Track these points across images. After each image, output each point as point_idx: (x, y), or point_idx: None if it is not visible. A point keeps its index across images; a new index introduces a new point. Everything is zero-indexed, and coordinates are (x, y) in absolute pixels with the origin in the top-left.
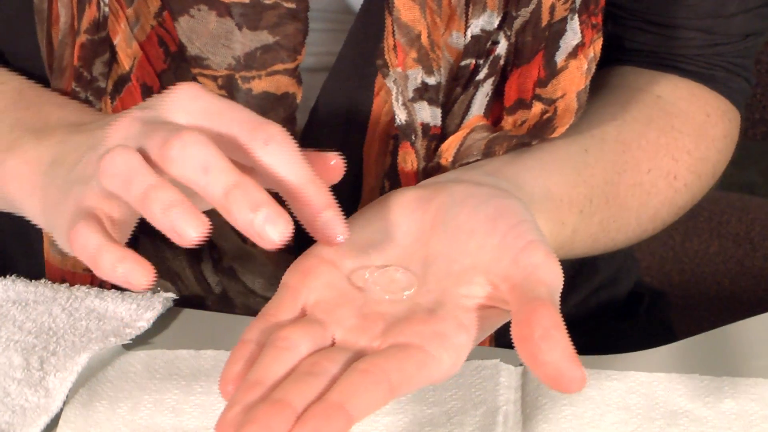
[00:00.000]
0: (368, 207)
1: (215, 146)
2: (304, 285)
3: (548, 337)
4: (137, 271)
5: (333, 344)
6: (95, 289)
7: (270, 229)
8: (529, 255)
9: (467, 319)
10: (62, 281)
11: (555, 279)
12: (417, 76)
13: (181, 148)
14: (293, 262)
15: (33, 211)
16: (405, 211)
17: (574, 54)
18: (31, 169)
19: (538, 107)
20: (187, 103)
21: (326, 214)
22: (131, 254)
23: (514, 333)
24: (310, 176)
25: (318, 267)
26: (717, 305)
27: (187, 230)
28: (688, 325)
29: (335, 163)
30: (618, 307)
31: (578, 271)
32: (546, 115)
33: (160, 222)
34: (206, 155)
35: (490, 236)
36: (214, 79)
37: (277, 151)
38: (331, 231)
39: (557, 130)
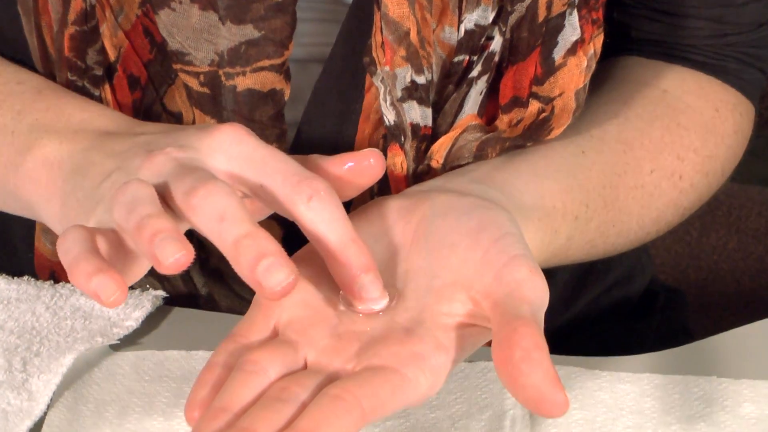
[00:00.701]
0: (350, 217)
1: (237, 198)
2: (277, 303)
3: (529, 359)
4: (109, 287)
5: (305, 366)
6: None
7: (270, 278)
8: (512, 271)
9: (447, 338)
10: (51, 274)
11: (539, 296)
12: (406, 74)
13: (204, 197)
14: None
15: (50, 218)
16: (386, 222)
17: (573, 51)
18: (50, 173)
19: (534, 106)
20: (229, 147)
21: (365, 278)
22: (109, 270)
23: (494, 354)
24: (351, 236)
25: None
26: (736, 304)
27: (166, 253)
28: (705, 325)
29: (374, 162)
30: (631, 306)
31: (590, 269)
32: (543, 115)
33: (145, 249)
34: (225, 205)
35: (473, 250)
36: (197, 75)
37: (320, 208)
38: (369, 294)
39: (553, 132)
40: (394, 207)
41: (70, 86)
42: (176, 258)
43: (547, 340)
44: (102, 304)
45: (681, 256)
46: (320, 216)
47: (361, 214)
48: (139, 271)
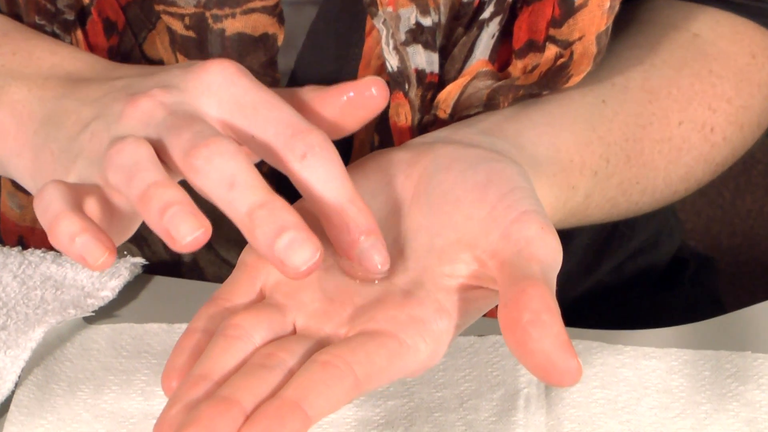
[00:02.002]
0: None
1: (246, 158)
2: (263, 264)
3: (538, 322)
4: (96, 247)
5: (294, 332)
6: (52, 253)
7: (293, 255)
8: (521, 227)
9: (449, 301)
10: (18, 239)
11: (550, 255)
12: (410, 15)
13: (207, 159)
14: None
15: (21, 174)
16: (384, 176)
17: None
18: (19, 124)
19: (551, 51)
20: (219, 89)
21: (367, 241)
22: (94, 228)
23: (501, 317)
24: (350, 195)
25: None
26: None
27: (182, 231)
28: (738, 295)
29: (377, 91)
30: (658, 274)
31: (612, 233)
32: (560, 60)
33: (155, 223)
34: (234, 168)
35: (478, 206)
36: (181, 18)
37: (316, 166)
38: (370, 260)
39: (572, 79)
40: (393, 160)
41: (39, 30)
42: (195, 237)
43: (564, 312)
44: (89, 267)
45: (713, 219)
46: (315, 174)
47: (358, 168)
48: (128, 232)
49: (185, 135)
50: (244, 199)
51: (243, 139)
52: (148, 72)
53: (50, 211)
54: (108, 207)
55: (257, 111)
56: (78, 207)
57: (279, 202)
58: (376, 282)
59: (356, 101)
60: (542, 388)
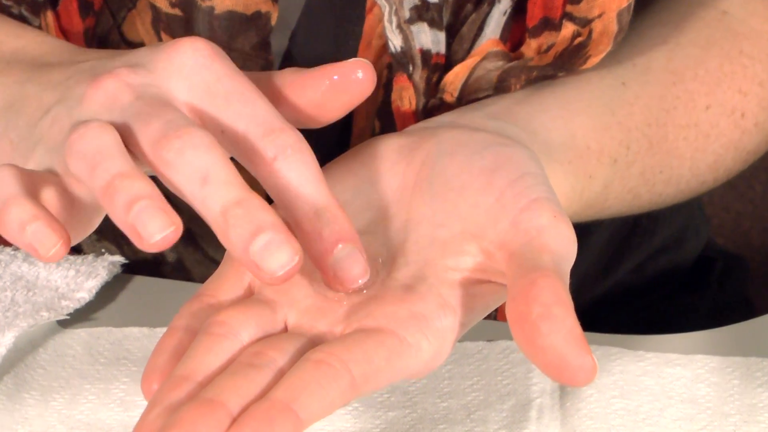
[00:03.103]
0: (340, 159)
1: (221, 151)
2: None
3: (549, 317)
4: (48, 236)
5: (285, 330)
6: (24, 251)
7: (269, 258)
8: (531, 216)
9: (453, 297)
10: None
11: (563, 245)
12: None
13: (179, 151)
14: None
15: None
16: (383, 164)
17: None
18: None
19: (568, 29)
20: (191, 72)
21: (343, 250)
22: (47, 216)
23: (509, 311)
24: (326, 201)
25: None
26: None
27: (150, 229)
28: None
29: (363, 75)
30: (683, 274)
31: (633, 229)
32: (578, 40)
33: (120, 218)
34: (207, 162)
35: (485, 194)
36: None
37: (289, 169)
38: (346, 272)
39: (590, 60)
40: (393, 146)
41: (4, 12)
42: (164, 235)
43: (580, 315)
44: (39, 258)
45: (742, 215)
46: (287, 178)
47: (355, 155)
48: (88, 227)
49: (155, 123)
50: (218, 196)
51: (212, 132)
52: (115, 54)
53: (0, 196)
54: (67, 197)
55: (229, 103)
56: (31, 193)
57: (256, 201)
58: (364, 291)
59: (340, 85)
60: (556, 398)
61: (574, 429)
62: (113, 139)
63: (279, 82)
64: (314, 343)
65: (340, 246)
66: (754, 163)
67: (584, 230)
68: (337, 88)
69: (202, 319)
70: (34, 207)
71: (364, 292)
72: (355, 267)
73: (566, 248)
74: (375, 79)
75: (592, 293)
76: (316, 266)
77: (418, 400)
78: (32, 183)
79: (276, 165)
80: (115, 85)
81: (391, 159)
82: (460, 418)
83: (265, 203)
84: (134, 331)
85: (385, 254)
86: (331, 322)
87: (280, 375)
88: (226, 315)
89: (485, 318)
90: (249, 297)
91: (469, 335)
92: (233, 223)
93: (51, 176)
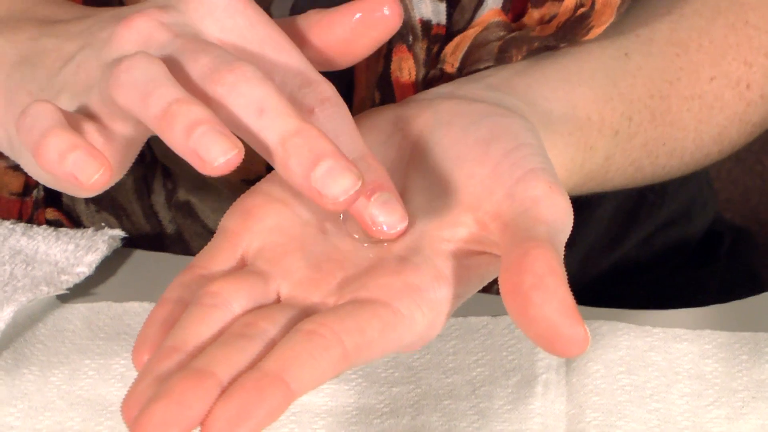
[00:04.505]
0: None
1: (273, 84)
2: (246, 228)
3: (541, 287)
4: (89, 163)
5: (278, 302)
6: (22, 224)
7: (332, 184)
8: (527, 186)
9: (448, 268)
10: None
11: (558, 216)
12: None
13: (233, 85)
14: (235, 201)
15: None
16: (380, 135)
17: None
18: None
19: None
20: (222, 14)
21: (381, 197)
22: (87, 145)
23: (501, 282)
24: (362, 152)
25: (265, 207)
26: None
27: (213, 153)
28: None
29: (389, 10)
30: (690, 249)
31: (639, 202)
32: (581, 10)
33: (180, 143)
34: (262, 94)
35: (481, 164)
36: None
37: (326, 121)
38: (385, 217)
39: (592, 31)
40: (390, 117)
41: None
42: (228, 159)
43: (586, 290)
44: (81, 186)
45: (750, 189)
46: (325, 128)
47: None
48: (122, 168)
49: (203, 59)
50: (276, 126)
51: None
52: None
53: (36, 128)
54: (104, 134)
55: (263, 51)
56: (67, 125)
57: (314, 130)
58: (385, 245)
59: (368, 21)
60: (562, 374)
61: (580, 405)
62: (162, 68)
63: (303, 25)
64: (307, 314)
65: (378, 193)
66: (762, 136)
67: (589, 203)
68: (366, 24)
69: (193, 290)
70: (74, 136)
71: (385, 245)
72: (394, 213)
73: (561, 219)
74: (402, 14)
75: (598, 267)
76: (353, 214)
77: (422, 375)
78: (68, 118)
79: (314, 117)
80: (148, 24)
81: (388, 131)
82: (465, 394)
83: (322, 132)
84: (134, 305)
85: None
86: (325, 294)
87: (272, 346)
88: (218, 286)
89: (490, 293)
90: (242, 268)
91: (473, 310)
92: (293, 152)
93: (84, 116)
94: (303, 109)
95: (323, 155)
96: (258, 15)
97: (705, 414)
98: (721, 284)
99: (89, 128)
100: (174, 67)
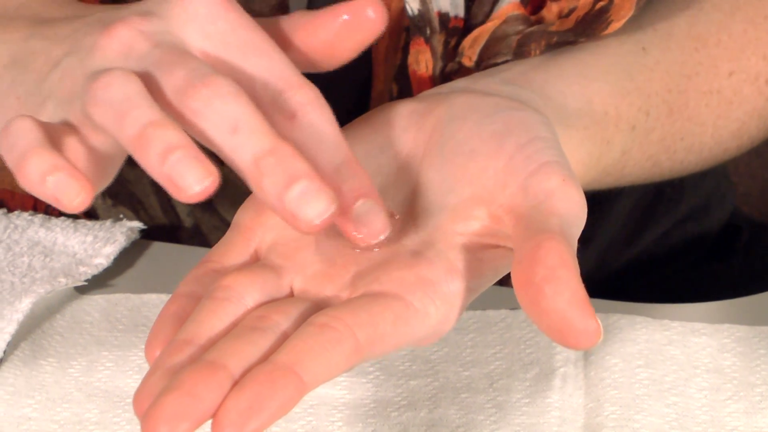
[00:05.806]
0: (352, 125)
1: (249, 100)
2: (260, 223)
3: (553, 279)
4: (71, 186)
5: (291, 296)
6: (40, 216)
7: (306, 207)
8: (540, 180)
9: (461, 261)
10: (0, 202)
11: (572, 210)
12: None
13: (207, 101)
14: (249, 196)
15: None
16: (394, 129)
17: None
18: None
19: None
20: (205, 20)
21: (364, 205)
22: (68, 166)
23: (514, 275)
24: (345, 157)
25: None
26: None
27: (188, 180)
28: None
29: (374, 13)
30: (709, 243)
31: (657, 197)
32: (600, 4)
33: (154, 168)
34: (237, 111)
35: (495, 158)
36: None
37: (307, 126)
38: (367, 227)
39: (612, 25)
40: (404, 111)
41: None
42: (204, 187)
43: (605, 284)
44: (63, 208)
45: None
46: (305, 136)
47: (366, 121)
48: (105, 180)
49: (178, 72)
50: (250, 145)
51: None
52: (125, 5)
53: (18, 147)
54: (85, 147)
55: (245, 56)
56: (48, 143)
57: (288, 149)
58: (376, 250)
59: (353, 24)
60: (580, 367)
61: (598, 398)
62: (139, 86)
63: (288, 27)
64: (319, 307)
65: (360, 201)
66: None
67: (607, 198)
68: (350, 26)
69: (206, 285)
70: (55, 157)
71: (375, 250)
72: (375, 222)
73: (575, 212)
74: (386, 17)
75: (617, 262)
76: (336, 222)
77: (440, 368)
78: (50, 133)
79: (296, 121)
80: (129, 33)
81: (402, 125)
82: (483, 387)
83: (297, 151)
84: (152, 297)
85: (402, 211)
86: (338, 288)
87: (284, 339)
88: (231, 279)
89: (509, 286)
90: (255, 263)
91: (491, 303)
92: (266, 172)
93: (66, 128)
94: (284, 114)
95: (297, 176)
96: (240, 18)
97: (723, 408)
98: (739, 278)
99: (71, 142)
100: (150, 80)
